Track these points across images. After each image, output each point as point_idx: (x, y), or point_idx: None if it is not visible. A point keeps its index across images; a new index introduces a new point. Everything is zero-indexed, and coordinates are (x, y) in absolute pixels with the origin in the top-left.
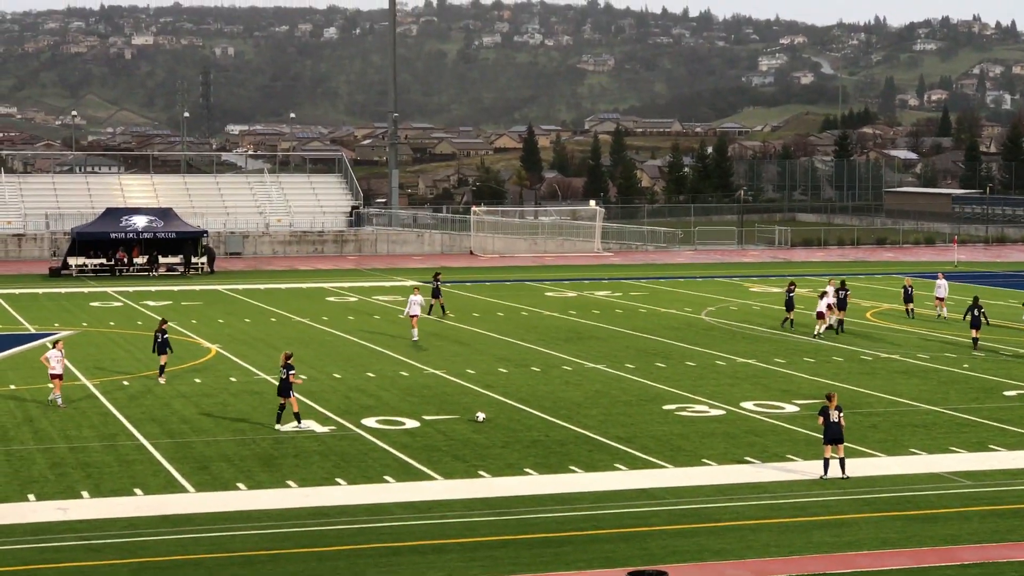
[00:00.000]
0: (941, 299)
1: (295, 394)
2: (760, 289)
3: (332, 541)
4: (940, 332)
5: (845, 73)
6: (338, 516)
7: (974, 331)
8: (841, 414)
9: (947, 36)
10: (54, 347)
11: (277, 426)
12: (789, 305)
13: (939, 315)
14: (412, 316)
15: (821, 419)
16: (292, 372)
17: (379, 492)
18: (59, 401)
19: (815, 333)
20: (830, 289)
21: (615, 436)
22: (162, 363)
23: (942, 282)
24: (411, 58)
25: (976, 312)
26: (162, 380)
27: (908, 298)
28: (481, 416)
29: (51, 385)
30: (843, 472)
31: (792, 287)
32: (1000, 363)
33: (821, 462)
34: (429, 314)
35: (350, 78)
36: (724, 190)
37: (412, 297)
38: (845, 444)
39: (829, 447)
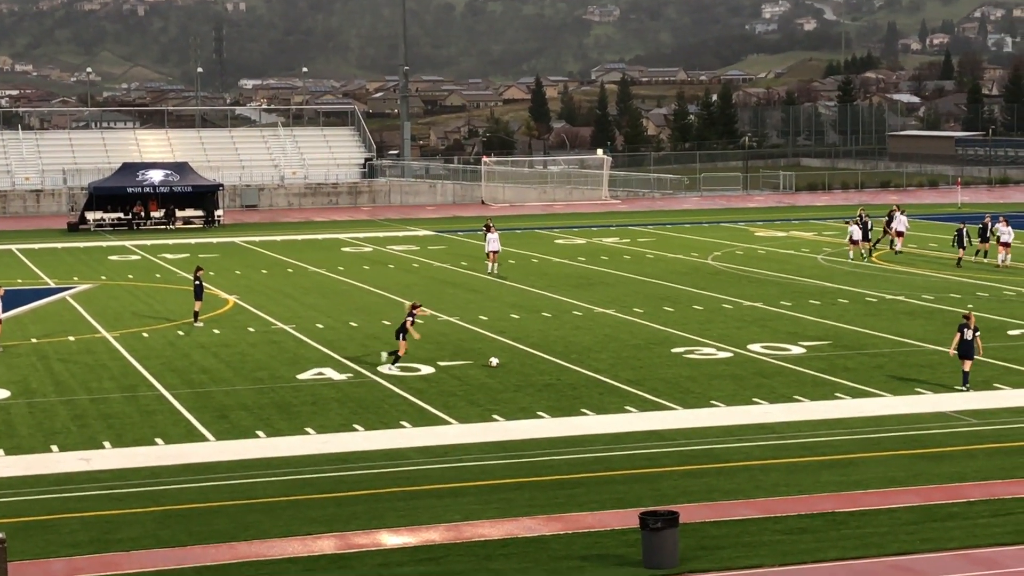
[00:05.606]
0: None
1: (405, 339)
2: (765, 234)
3: (351, 486)
4: (944, 273)
5: (847, 19)
6: (356, 461)
7: (960, 251)
8: (977, 333)
9: None
10: None
11: (383, 355)
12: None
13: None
14: (491, 251)
15: (957, 336)
16: (411, 319)
17: (396, 437)
18: None
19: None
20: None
21: (625, 379)
22: (196, 309)
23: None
24: (420, 11)
25: (961, 236)
26: (198, 324)
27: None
28: (495, 361)
29: None
30: (965, 383)
31: (895, 210)
32: (1004, 303)
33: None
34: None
35: (361, 32)
36: (729, 137)
37: (489, 235)
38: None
39: (965, 362)
